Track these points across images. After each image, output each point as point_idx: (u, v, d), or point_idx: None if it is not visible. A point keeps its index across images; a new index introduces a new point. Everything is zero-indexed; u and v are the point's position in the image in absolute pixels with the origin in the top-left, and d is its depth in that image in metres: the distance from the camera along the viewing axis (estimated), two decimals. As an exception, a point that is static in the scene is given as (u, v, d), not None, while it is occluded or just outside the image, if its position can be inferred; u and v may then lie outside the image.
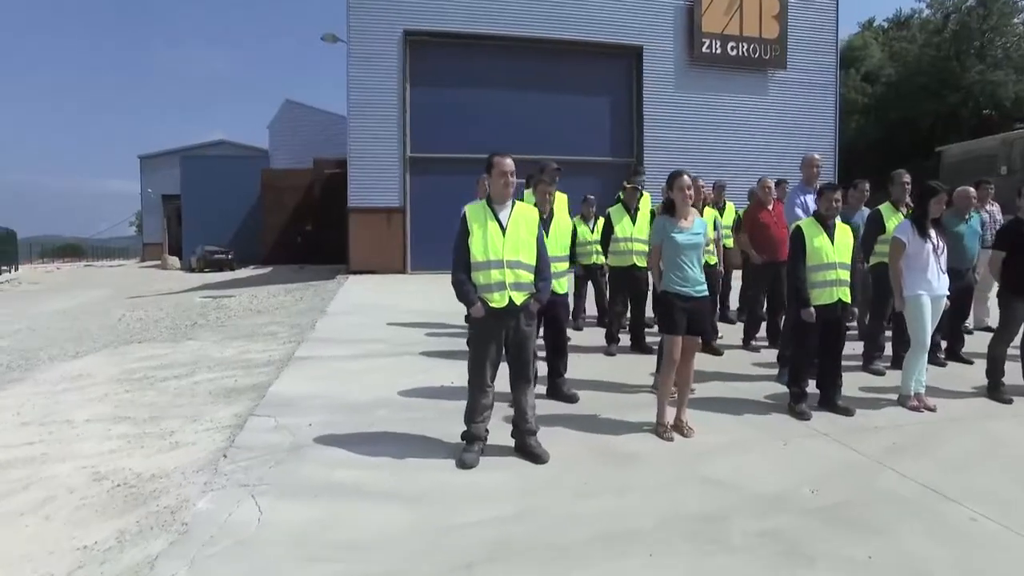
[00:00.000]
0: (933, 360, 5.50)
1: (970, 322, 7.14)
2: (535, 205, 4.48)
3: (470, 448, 3.67)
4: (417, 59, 15.30)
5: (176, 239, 36.65)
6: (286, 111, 35.50)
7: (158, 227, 42.26)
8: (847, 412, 4.48)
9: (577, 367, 5.23)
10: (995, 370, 4.94)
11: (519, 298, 3.66)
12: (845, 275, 4.54)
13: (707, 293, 4.24)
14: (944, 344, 6.02)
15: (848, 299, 4.57)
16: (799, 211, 5.78)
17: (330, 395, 4.86)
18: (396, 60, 14.98)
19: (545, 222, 4.46)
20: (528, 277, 3.73)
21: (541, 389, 4.57)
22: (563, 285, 4.96)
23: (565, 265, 5.06)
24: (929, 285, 4.61)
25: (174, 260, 33.53)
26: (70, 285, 22.52)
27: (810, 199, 5.69)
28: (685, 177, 4.12)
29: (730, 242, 7.51)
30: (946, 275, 4.70)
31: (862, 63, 38.09)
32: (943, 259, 4.69)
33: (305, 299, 11.66)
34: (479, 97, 15.49)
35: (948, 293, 4.72)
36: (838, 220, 4.69)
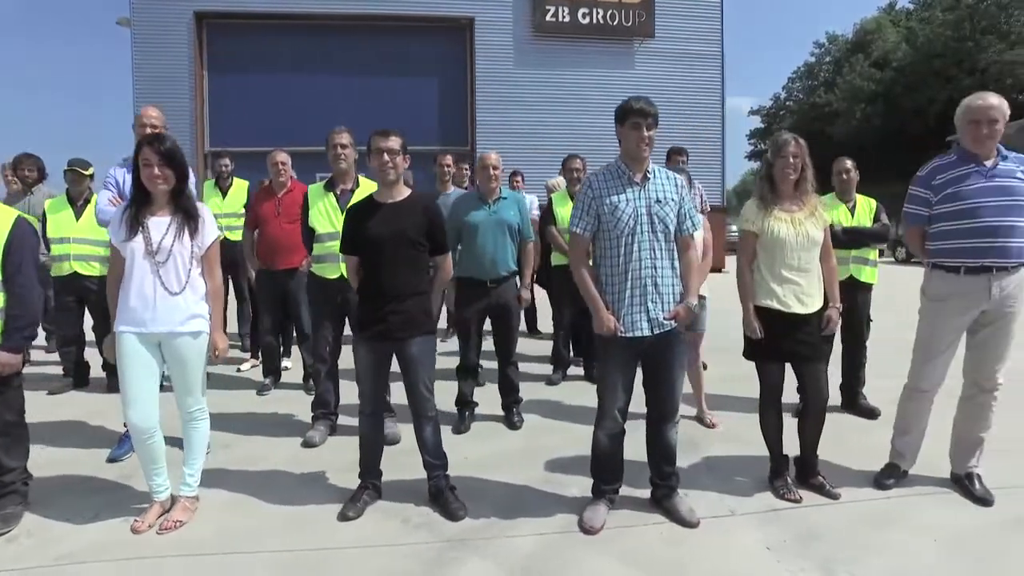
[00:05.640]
0: None
1: None
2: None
3: None
4: (214, 43, 13.84)
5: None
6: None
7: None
8: None
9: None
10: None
11: None
12: None
13: None
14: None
15: None
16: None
17: None
18: (187, 45, 13.56)
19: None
20: None
21: None
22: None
23: None
24: (132, 313, 2.43)
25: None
26: None
27: None
28: None
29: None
30: (182, 296, 2.46)
31: (872, 47, 33.94)
32: (175, 268, 2.45)
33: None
34: (288, 83, 13.82)
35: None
36: None
